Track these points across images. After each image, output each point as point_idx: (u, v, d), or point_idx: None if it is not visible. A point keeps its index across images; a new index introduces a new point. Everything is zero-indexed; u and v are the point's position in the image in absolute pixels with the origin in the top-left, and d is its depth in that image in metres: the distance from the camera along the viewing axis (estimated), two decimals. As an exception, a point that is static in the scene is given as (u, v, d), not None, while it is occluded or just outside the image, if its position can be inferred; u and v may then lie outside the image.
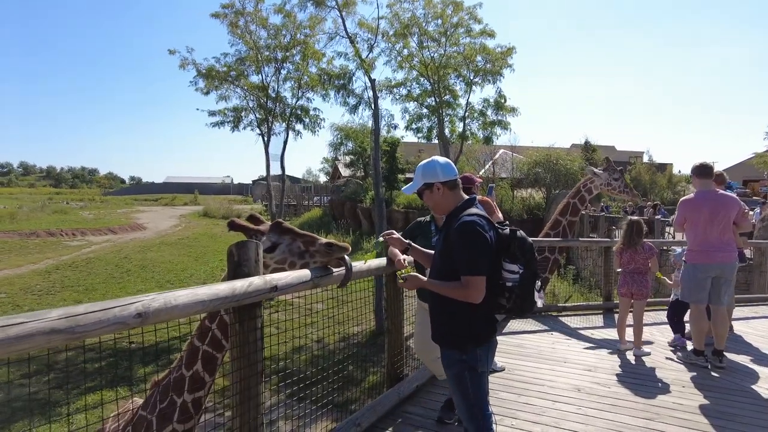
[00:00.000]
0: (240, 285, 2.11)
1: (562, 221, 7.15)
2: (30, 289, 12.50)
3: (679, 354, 5.04)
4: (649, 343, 5.42)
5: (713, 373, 4.54)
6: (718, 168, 5.31)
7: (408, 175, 27.27)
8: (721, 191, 4.76)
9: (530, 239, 2.34)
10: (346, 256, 2.63)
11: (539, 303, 2.35)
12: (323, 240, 2.58)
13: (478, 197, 2.91)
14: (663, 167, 34.41)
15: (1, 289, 12.32)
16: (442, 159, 2.47)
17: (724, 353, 4.74)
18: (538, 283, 2.33)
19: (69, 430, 4.43)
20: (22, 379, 6.91)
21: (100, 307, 1.61)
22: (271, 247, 2.51)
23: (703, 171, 4.73)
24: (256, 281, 2.19)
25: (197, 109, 16.01)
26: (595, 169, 7.35)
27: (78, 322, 1.51)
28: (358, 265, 2.99)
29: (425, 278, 2.43)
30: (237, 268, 2.23)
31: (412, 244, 2.92)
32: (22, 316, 1.42)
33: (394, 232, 3.03)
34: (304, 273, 2.49)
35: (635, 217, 5.43)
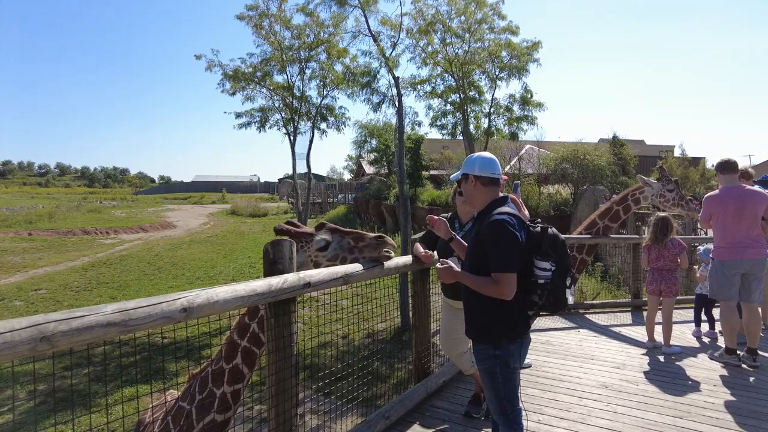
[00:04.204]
0: (275, 281, 2.21)
1: (599, 224, 6.90)
2: (68, 285, 12.97)
3: (711, 352, 4.97)
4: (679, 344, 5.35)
5: (746, 371, 4.47)
6: (754, 161, 5.21)
7: (432, 172, 27.34)
8: (748, 186, 4.67)
9: (561, 236, 2.37)
10: (391, 252, 2.74)
11: (570, 299, 2.39)
12: (372, 234, 2.72)
13: None
14: (696, 161, 33.34)
15: (41, 285, 12.84)
16: (487, 155, 2.53)
17: (759, 351, 4.65)
18: (569, 280, 2.37)
19: (108, 420, 4.64)
20: (64, 372, 7.25)
21: (150, 302, 1.72)
22: (324, 246, 2.65)
23: (726, 167, 4.65)
24: (290, 278, 2.29)
25: (225, 112, 16.25)
26: (648, 179, 6.87)
27: (131, 316, 1.63)
28: (396, 260, 3.08)
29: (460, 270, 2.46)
30: (272, 266, 2.33)
31: (456, 235, 2.91)
32: (81, 310, 1.54)
33: (434, 217, 2.99)
34: (336, 270, 2.59)
35: (663, 213, 5.34)
